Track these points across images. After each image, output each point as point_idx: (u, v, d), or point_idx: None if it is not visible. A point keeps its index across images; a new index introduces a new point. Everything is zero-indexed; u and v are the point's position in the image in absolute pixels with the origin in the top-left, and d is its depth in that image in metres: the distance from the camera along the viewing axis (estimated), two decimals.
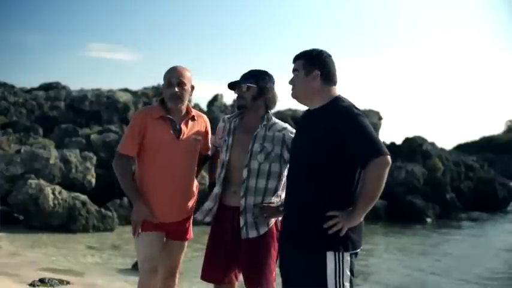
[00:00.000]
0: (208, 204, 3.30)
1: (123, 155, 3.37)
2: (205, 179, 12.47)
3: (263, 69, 3.34)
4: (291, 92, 2.88)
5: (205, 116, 3.60)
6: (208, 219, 3.31)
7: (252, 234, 3.19)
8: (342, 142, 2.61)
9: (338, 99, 2.76)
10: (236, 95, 3.32)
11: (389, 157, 2.61)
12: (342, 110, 2.69)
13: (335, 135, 2.62)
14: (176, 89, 3.33)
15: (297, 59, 2.84)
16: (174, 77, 3.34)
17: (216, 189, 3.28)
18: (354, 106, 2.73)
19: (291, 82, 2.86)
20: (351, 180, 2.67)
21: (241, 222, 3.19)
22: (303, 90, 2.81)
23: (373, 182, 2.59)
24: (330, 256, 2.62)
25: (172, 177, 3.34)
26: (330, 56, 2.82)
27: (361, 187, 2.63)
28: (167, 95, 3.37)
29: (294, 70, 2.84)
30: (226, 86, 3.36)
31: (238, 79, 3.30)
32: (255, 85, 3.24)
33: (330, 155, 2.64)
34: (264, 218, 3.19)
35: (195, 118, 3.47)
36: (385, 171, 2.60)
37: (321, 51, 2.82)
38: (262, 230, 3.20)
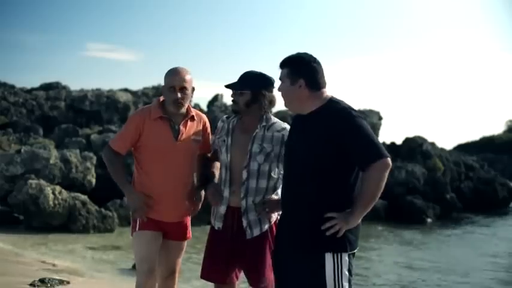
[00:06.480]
0: (222, 209, 3.25)
1: (113, 150, 3.37)
2: None
3: (261, 71, 3.27)
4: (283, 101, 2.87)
5: (204, 116, 3.56)
6: (223, 210, 3.26)
7: (256, 232, 3.19)
8: (341, 144, 2.61)
9: (332, 102, 2.75)
10: (231, 98, 3.29)
11: (389, 159, 2.62)
12: (340, 112, 2.68)
13: (334, 138, 2.62)
14: (179, 95, 3.29)
15: (282, 66, 2.81)
16: (177, 82, 3.29)
17: (226, 193, 3.24)
18: (351, 108, 2.73)
19: (279, 91, 2.86)
20: (348, 181, 2.67)
21: (244, 223, 3.19)
22: (291, 99, 2.80)
23: (373, 185, 2.60)
24: (328, 257, 2.63)
25: (171, 177, 3.32)
26: (314, 60, 2.77)
27: (361, 189, 2.63)
28: (169, 100, 3.32)
29: (280, 79, 2.83)
30: (224, 87, 3.32)
31: (235, 81, 3.26)
32: (248, 91, 3.20)
33: (328, 157, 2.63)
34: (266, 212, 3.18)
35: (194, 118, 3.45)
36: (386, 174, 2.61)
37: (305, 57, 2.77)
38: (265, 227, 3.21)
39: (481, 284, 8.86)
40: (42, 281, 5.66)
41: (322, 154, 2.64)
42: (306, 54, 2.80)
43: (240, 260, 3.27)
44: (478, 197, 19.42)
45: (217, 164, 3.45)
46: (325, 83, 2.79)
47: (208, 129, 3.55)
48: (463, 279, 9.20)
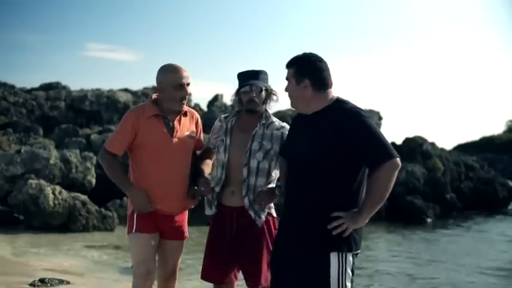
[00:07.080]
0: (217, 189, 3.27)
1: (109, 152, 3.35)
2: None
3: (261, 69, 3.29)
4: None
5: (196, 112, 3.55)
6: (213, 210, 3.30)
7: (263, 218, 3.21)
8: (349, 144, 2.61)
9: (340, 102, 2.75)
10: (246, 97, 3.22)
11: (398, 159, 2.63)
12: (348, 112, 2.68)
13: (342, 137, 2.62)
14: (188, 91, 3.29)
15: (289, 66, 2.80)
16: (183, 79, 3.26)
17: (217, 188, 3.27)
18: (359, 108, 2.73)
19: (286, 90, 2.84)
20: (352, 181, 2.67)
21: (252, 215, 3.19)
22: (296, 99, 2.79)
23: (382, 185, 2.60)
24: (333, 257, 2.63)
25: (167, 174, 3.31)
26: (320, 60, 2.76)
27: (370, 189, 2.63)
28: (176, 98, 3.28)
29: (286, 79, 2.82)
30: (238, 76, 3.27)
31: (253, 80, 3.21)
32: (266, 87, 3.23)
33: (335, 156, 2.63)
34: (261, 204, 3.16)
35: (187, 114, 3.44)
36: (395, 174, 2.62)
37: (311, 57, 2.76)
38: (267, 212, 3.24)
39: (481, 285, 8.86)
40: (42, 281, 5.67)
41: (326, 154, 2.63)
42: (312, 54, 2.79)
43: (239, 260, 3.27)
44: (478, 197, 19.42)
45: (207, 161, 3.46)
46: (331, 83, 2.78)
47: (200, 126, 3.53)
48: (463, 279, 9.20)
